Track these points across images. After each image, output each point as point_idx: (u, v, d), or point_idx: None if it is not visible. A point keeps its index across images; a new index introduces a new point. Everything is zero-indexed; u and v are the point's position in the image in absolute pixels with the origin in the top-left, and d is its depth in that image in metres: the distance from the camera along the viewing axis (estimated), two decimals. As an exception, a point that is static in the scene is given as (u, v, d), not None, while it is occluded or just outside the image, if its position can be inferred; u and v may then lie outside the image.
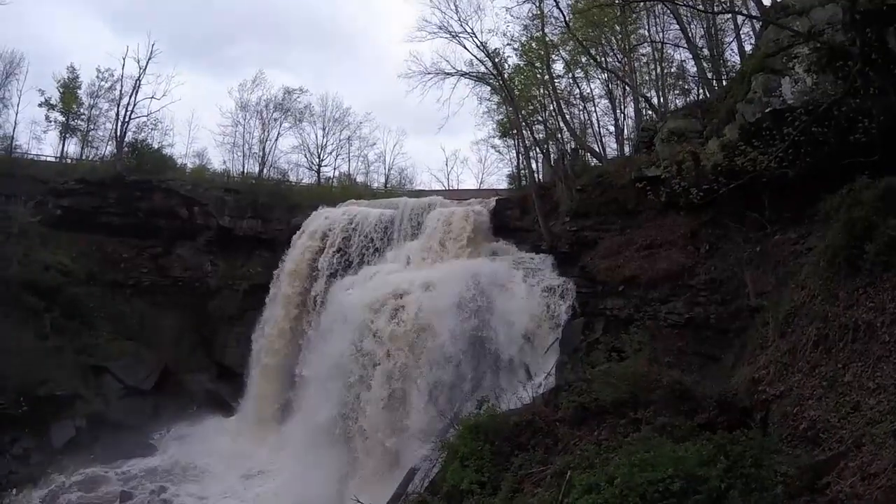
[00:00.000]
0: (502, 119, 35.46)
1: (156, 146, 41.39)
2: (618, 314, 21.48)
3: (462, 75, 32.02)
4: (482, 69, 31.67)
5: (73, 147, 42.96)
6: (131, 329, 32.67)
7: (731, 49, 26.20)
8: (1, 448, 24.47)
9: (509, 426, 12.73)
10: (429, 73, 31.60)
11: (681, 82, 29.48)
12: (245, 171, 43.10)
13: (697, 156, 19.61)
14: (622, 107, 32.69)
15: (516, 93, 30.87)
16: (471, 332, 22.55)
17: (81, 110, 42.18)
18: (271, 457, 25.98)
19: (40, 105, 40.89)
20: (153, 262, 35.76)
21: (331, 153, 47.19)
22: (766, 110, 15.70)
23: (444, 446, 14.17)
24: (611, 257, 23.00)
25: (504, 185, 40.61)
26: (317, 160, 46.19)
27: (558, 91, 30.81)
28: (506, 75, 31.19)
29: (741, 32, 25.21)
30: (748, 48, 23.80)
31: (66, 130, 42.02)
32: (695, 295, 19.64)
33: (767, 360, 12.12)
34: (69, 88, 41.70)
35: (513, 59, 33.04)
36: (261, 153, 43.21)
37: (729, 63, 25.62)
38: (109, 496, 23.08)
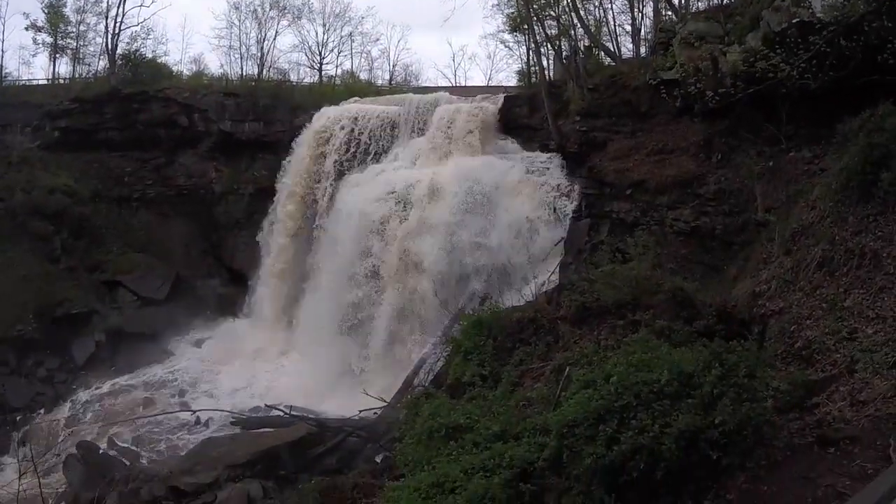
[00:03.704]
0: (512, 13, 33.81)
1: (150, 56, 39.65)
2: (624, 217, 21.63)
3: (471, -38, 30.30)
4: (492, -44, 30.02)
5: (64, 67, 41.51)
6: (141, 242, 33.09)
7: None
8: (26, 372, 25.46)
9: (512, 322, 12.70)
10: (436, -40, 29.89)
11: (705, -17, 27.99)
12: (244, 73, 41.08)
13: (716, 60, 19.07)
14: (640, 5, 31.05)
15: (528, -16, 29.39)
16: (476, 231, 22.84)
17: (69, 28, 40.20)
18: (283, 355, 27.06)
19: (26, 28, 39.09)
20: (156, 174, 35.42)
21: (332, 51, 45.16)
22: (794, 20, 15.09)
23: (448, 341, 14.46)
24: (620, 160, 22.83)
25: (513, 83, 39.31)
26: (318, 59, 44.33)
27: (573, -16, 29.35)
28: (518, -36, 29.62)
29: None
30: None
31: (56, 51, 40.36)
32: (703, 204, 19.69)
33: (770, 276, 12.27)
34: (54, 8, 39.56)
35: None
36: (259, 54, 41.12)
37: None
38: (133, 404, 24.19)
